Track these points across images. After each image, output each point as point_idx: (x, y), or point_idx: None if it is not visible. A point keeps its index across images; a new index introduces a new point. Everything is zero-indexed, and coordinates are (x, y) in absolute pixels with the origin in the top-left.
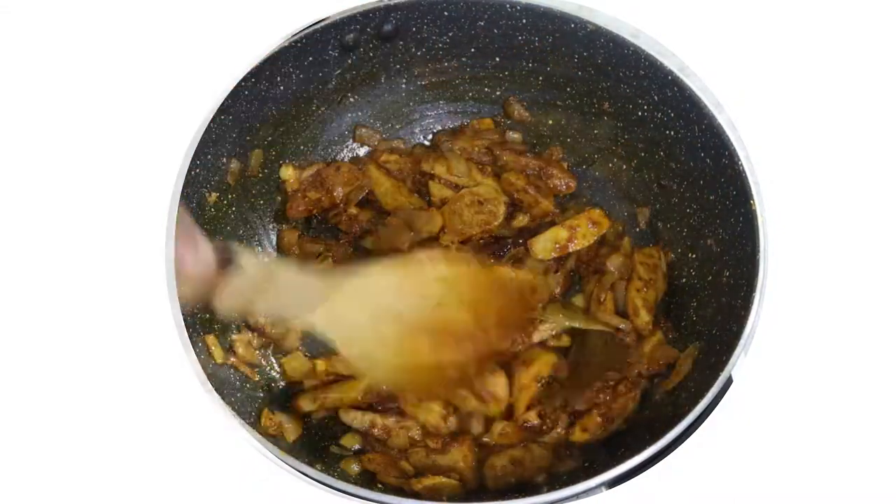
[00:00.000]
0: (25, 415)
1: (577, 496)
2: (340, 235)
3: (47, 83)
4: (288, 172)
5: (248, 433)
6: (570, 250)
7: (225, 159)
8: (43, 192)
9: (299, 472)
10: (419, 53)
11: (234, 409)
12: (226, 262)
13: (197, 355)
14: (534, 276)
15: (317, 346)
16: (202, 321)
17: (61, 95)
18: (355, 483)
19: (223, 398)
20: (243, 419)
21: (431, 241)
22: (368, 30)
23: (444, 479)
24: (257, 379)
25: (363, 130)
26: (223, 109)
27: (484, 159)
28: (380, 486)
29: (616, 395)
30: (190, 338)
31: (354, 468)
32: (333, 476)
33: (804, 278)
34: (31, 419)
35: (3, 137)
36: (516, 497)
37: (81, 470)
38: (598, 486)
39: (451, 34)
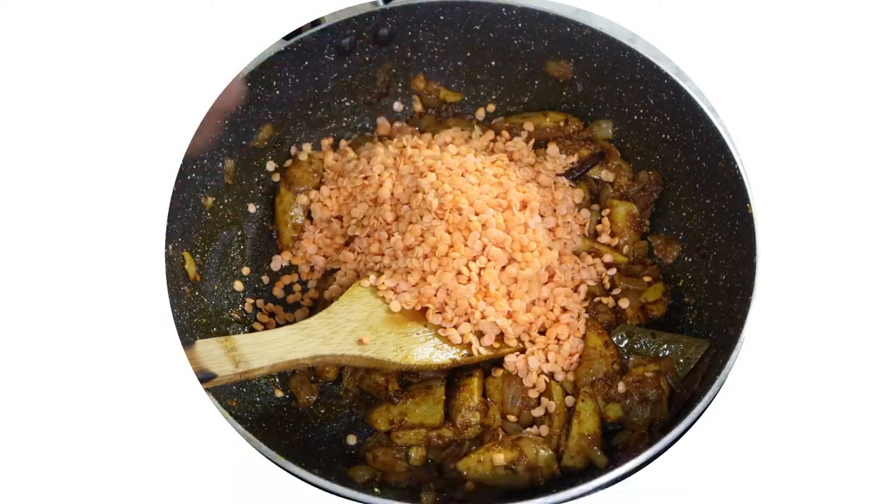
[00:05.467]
0: (20, 412)
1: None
2: None
3: (43, 85)
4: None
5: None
6: None
7: (221, 163)
8: (38, 195)
9: (297, 476)
10: (415, 57)
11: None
12: None
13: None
14: None
15: None
16: (198, 324)
17: (57, 98)
18: (357, 488)
19: (220, 401)
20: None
21: None
22: (364, 34)
23: None
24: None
25: None
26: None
27: None
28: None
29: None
30: (186, 340)
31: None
32: (331, 480)
33: (801, 282)
34: (27, 418)
35: None
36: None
37: (80, 470)
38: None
39: (447, 38)
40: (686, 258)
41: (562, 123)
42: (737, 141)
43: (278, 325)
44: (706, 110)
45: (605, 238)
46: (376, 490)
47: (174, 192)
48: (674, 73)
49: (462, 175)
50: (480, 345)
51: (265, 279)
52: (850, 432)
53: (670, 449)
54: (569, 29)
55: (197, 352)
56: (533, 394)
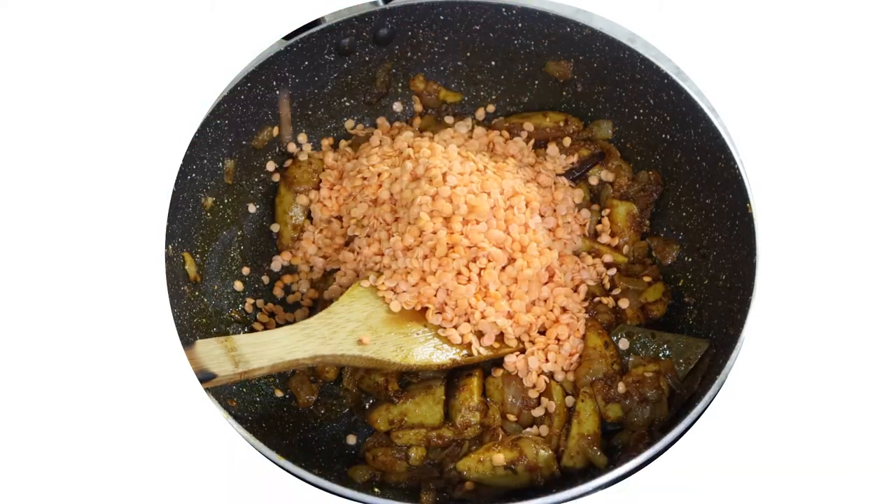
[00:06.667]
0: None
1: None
2: None
3: (43, 85)
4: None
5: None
6: None
7: (221, 163)
8: (39, 196)
9: (296, 475)
10: (415, 57)
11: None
12: None
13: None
14: None
15: None
16: (198, 324)
17: (57, 98)
18: (357, 488)
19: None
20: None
21: None
22: (364, 34)
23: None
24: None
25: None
26: (219, 113)
27: None
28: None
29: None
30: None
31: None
32: (331, 480)
33: (801, 282)
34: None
35: None
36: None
37: (80, 470)
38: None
39: (447, 38)
40: (686, 258)
41: (562, 123)
42: (737, 141)
43: (278, 325)
44: (706, 110)
45: (605, 238)
46: (376, 490)
47: (174, 193)
48: (674, 73)
49: (462, 175)
50: (480, 345)
51: (265, 279)
52: (850, 432)
53: (670, 449)
54: (569, 29)
55: (197, 352)
56: (533, 394)
